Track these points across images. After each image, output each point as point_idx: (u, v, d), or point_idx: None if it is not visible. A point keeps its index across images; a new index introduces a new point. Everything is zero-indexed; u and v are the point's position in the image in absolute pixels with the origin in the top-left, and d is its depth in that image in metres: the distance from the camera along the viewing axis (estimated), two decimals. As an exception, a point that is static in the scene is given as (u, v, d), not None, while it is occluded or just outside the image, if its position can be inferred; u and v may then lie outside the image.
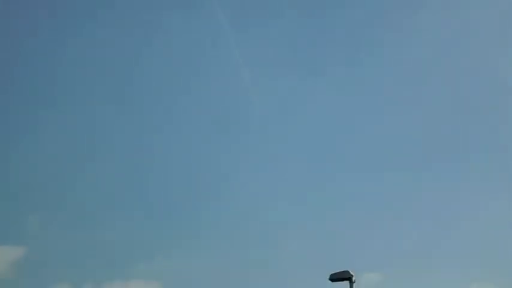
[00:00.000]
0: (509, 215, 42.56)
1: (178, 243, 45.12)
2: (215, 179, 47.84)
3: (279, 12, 49.07)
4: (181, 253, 44.09)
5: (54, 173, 48.32)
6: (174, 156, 49.43)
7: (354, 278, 19.69)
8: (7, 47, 48.84)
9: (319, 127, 49.75)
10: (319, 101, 49.85)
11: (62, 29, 50.17)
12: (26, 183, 47.21)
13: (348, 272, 19.80)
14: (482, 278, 41.03)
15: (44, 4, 50.70)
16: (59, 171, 48.40)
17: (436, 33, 49.61)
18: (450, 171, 46.63)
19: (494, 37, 49.22)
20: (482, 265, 40.88)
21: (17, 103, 49.88)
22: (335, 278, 19.84)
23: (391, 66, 50.66)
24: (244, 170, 48.07)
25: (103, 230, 45.11)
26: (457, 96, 48.95)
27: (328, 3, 50.22)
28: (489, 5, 49.39)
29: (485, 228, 43.54)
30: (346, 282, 19.82)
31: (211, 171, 48.05)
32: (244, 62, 48.78)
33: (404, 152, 48.00)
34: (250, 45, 49.39)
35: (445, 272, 40.71)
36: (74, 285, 43.04)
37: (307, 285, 41.06)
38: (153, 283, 43.46)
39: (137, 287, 44.46)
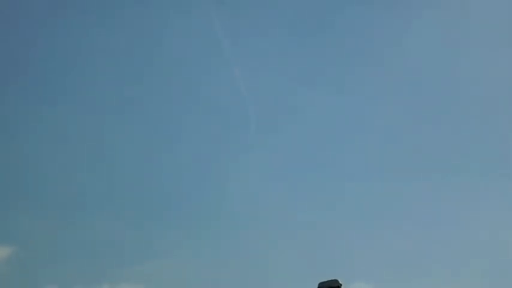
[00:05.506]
0: (499, 222, 42.61)
1: (168, 246, 44.89)
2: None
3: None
4: (171, 257, 43.85)
5: (45, 172, 48.08)
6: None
7: (342, 287, 19.44)
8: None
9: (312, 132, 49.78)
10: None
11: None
12: (15, 183, 46.94)
13: (336, 280, 19.53)
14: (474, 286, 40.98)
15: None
16: (50, 171, 48.18)
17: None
18: (441, 179, 46.67)
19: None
20: (474, 273, 40.81)
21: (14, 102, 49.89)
22: (323, 286, 19.59)
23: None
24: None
25: (93, 231, 44.84)
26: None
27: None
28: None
29: (477, 236, 43.48)
30: (335, 291, 19.58)
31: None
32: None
33: (397, 160, 48.00)
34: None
35: (435, 281, 40.58)
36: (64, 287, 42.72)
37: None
38: (140, 286, 43.16)
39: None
